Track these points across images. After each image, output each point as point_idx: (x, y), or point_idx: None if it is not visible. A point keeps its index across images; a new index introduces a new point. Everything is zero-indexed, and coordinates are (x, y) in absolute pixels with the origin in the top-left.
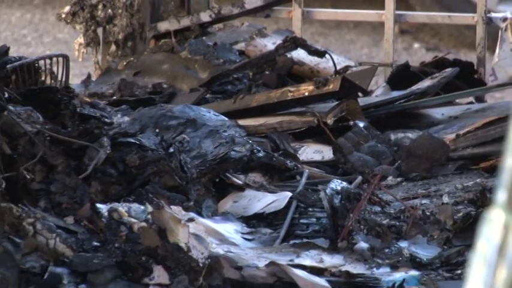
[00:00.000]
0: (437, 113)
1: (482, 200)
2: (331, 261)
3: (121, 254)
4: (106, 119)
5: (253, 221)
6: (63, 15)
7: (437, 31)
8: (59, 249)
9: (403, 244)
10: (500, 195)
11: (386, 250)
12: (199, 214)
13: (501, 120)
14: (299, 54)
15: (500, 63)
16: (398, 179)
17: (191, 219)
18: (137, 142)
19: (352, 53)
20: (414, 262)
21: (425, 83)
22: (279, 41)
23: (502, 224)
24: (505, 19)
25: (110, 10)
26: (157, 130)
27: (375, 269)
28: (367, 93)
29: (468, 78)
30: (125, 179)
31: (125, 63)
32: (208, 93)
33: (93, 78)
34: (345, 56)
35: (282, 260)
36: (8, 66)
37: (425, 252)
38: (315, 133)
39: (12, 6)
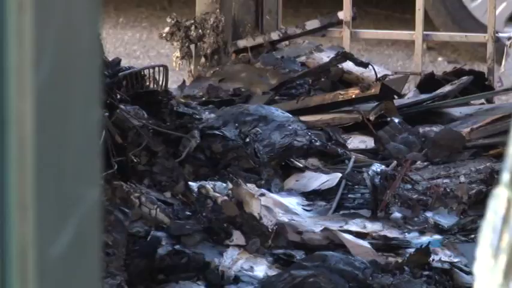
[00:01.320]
0: (456, 111)
1: (491, 180)
2: (372, 227)
3: (207, 221)
4: (196, 116)
5: (311, 196)
6: (164, 35)
7: (457, 48)
8: (159, 218)
9: (428, 214)
10: (505, 176)
11: (416, 219)
12: (269, 190)
13: (506, 117)
14: (348, 65)
15: (506, 72)
16: (425, 163)
17: (262, 194)
18: (221, 134)
19: (389, 64)
20: (437, 228)
21: (447, 88)
22: (332, 55)
23: (506, 199)
24: (509, 38)
25: (200, 30)
26: (236, 124)
27: (406, 233)
28: (401, 96)
29: (480, 84)
30: (211, 162)
31: (211, 72)
32: (276, 95)
33: (187, 84)
34: (384, 66)
35: (334, 226)
36: (120, 74)
37: (446, 220)
38: (360, 127)
39: (126, 27)
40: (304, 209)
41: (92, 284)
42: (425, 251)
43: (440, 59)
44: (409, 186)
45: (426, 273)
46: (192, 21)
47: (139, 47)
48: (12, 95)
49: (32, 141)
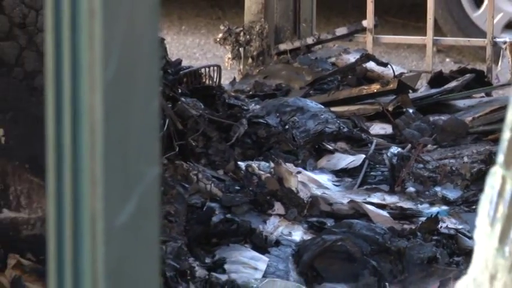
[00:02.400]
0: (460, 103)
1: (489, 160)
2: (390, 199)
3: (253, 194)
4: (244, 107)
5: (340, 173)
6: (218, 40)
7: (461, 50)
8: (213, 191)
9: (437, 189)
10: (500, 157)
11: (426, 193)
12: (304, 169)
13: (502, 108)
14: (370, 65)
15: (502, 71)
16: (434, 146)
17: (299, 172)
18: (264, 122)
19: (405, 64)
20: (444, 201)
21: (453, 84)
22: (357, 56)
23: (501, 176)
24: (505, 42)
25: (248, 36)
26: (277, 114)
27: (418, 205)
28: (414, 90)
29: (481, 81)
30: (256, 145)
31: (257, 70)
32: (311, 90)
33: (237, 81)
34: (401, 66)
35: (358, 198)
36: (181, 72)
37: (452, 194)
38: (380, 116)
39: (187, 34)
40: (334, 184)
41: (151, 248)
42: (434, 220)
43: (447, 59)
44: (421, 166)
45: (435, 237)
46: (241, 29)
47: (198, 50)
48: (85, 90)
49: (101, 128)
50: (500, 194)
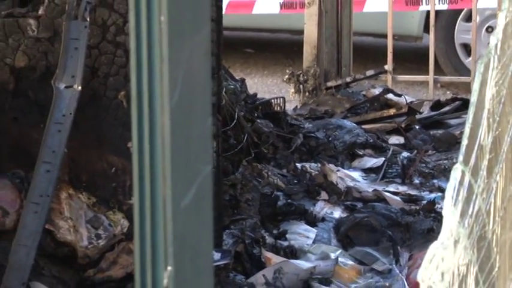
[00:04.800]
0: (452, 121)
1: None
2: (402, 188)
3: (306, 186)
4: (301, 125)
5: (367, 171)
6: (285, 79)
7: (457, 85)
8: (279, 184)
9: (435, 181)
10: (460, 157)
11: (427, 183)
12: (342, 168)
13: None
14: (389, 96)
15: None
16: (433, 152)
17: (338, 170)
18: (315, 135)
19: (419, 96)
20: (440, 189)
21: (446, 108)
22: (381, 90)
23: (461, 171)
24: None
25: (305, 77)
26: (324, 130)
27: (422, 192)
28: (420, 113)
29: (466, 106)
30: (309, 152)
31: (312, 101)
32: (348, 114)
33: (298, 107)
34: (411, 96)
35: (380, 188)
36: (257, 102)
37: (445, 184)
38: (396, 131)
39: (268, 76)
40: (362, 179)
41: (206, 224)
42: (432, 203)
43: (448, 92)
44: (424, 165)
45: (432, 215)
46: (301, 72)
47: (275, 87)
48: (158, 111)
49: (169, 138)
50: (461, 183)
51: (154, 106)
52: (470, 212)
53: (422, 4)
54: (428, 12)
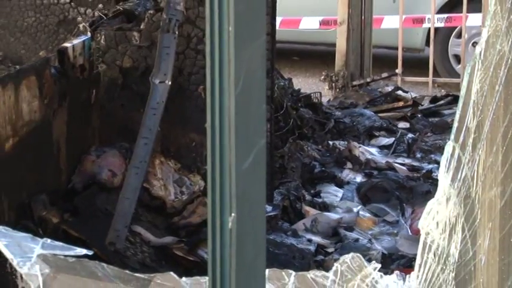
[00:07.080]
0: (445, 112)
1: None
2: (407, 161)
3: (336, 158)
4: (333, 113)
5: (382, 146)
6: (321, 79)
7: (450, 86)
8: (315, 155)
9: (432, 155)
10: (451, 136)
11: (426, 157)
12: (363, 144)
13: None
14: (399, 92)
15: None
16: (431, 133)
17: (360, 146)
18: (342, 121)
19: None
20: (436, 162)
21: (441, 102)
22: (393, 88)
23: (452, 146)
24: None
25: (336, 77)
26: (350, 117)
27: (422, 163)
28: (421, 105)
29: (457, 100)
30: (338, 133)
31: (341, 95)
32: (368, 105)
33: (331, 100)
34: (415, 93)
35: (390, 160)
36: (300, 95)
37: (440, 158)
38: (403, 118)
39: (309, 78)
40: (378, 153)
41: (261, 183)
42: (430, 172)
43: (442, 90)
44: (424, 143)
45: (430, 181)
46: (333, 74)
47: (313, 85)
48: (226, 98)
49: (234, 118)
50: (452, 155)
51: (223, 96)
52: (459, 177)
53: (425, 22)
54: (429, 30)
